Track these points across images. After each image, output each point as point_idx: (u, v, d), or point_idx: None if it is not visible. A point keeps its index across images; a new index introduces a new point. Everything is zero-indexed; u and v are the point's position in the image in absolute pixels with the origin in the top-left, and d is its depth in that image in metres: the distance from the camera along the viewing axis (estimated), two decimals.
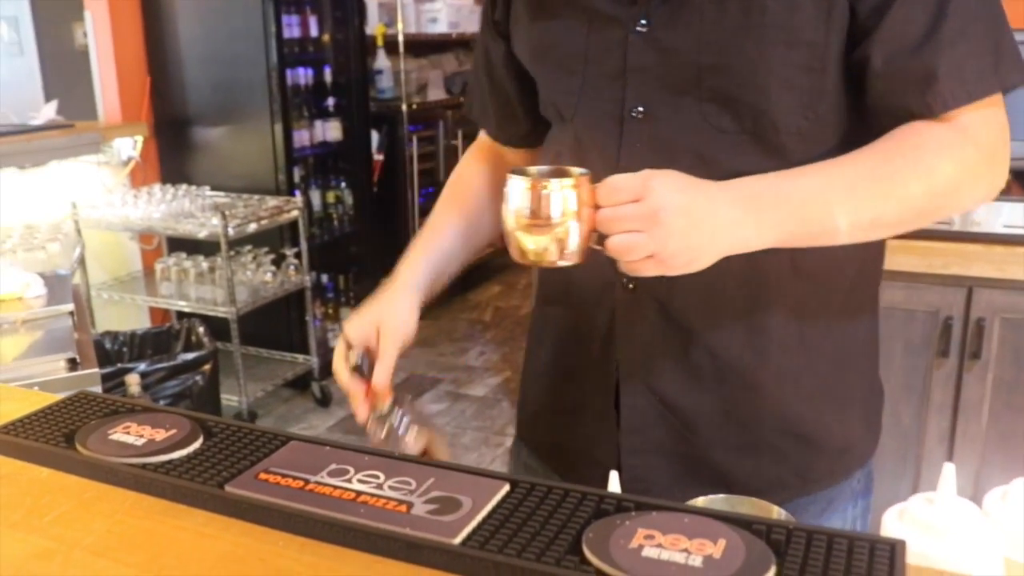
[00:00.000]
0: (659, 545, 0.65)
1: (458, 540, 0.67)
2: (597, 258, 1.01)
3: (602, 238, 0.85)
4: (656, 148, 0.97)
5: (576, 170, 0.87)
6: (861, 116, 0.96)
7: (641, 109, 0.98)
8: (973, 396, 2.21)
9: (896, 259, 2.14)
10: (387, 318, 1.15)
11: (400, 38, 4.76)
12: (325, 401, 3.91)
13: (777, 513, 0.86)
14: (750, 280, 0.99)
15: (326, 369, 4.05)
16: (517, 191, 0.86)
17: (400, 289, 1.17)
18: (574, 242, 0.86)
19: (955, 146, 0.90)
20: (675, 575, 0.62)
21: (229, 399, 3.49)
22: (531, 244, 0.87)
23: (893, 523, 0.76)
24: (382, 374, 1.11)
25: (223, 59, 3.81)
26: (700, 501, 0.88)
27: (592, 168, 0.89)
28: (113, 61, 3.75)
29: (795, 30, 0.91)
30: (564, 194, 0.84)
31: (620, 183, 0.84)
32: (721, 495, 0.90)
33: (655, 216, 0.81)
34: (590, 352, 1.08)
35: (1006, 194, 2.21)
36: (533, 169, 0.89)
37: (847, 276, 1.05)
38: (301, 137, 3.99)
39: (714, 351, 1.01)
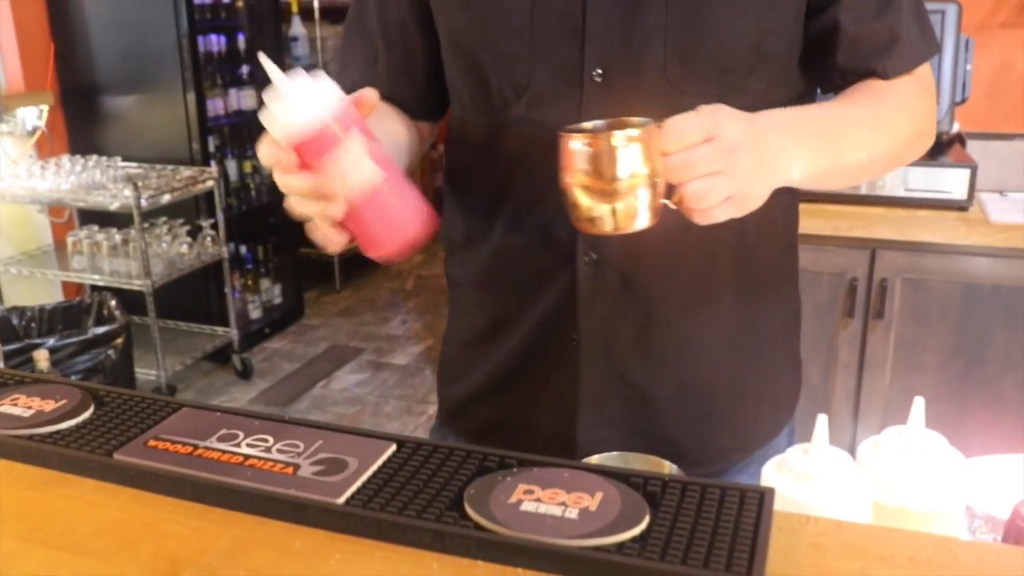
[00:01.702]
0: (538, 499, 0.67)
1: (342, 500, 0.68)
2: (550, 234, 0.98)
3: (670, 190, 0.78)
4: (618, 112, 0.91)
5: (638, 120, 0.78)
6: (827, 78, 1.02)
7: (600, 71, 0.94)
8: (877, 354, 2.29)
9: (804, 223, 2.15)
10: None
11: (316, 4, 4.69)
12: (246, 373, 3.87)
13: (668, 468, 0.89)
14: (705, 253, 1.00)
15: (246, 341, 4.02)
16: (578, 152, 0.76)
17: None
18: (648, 201, 0.77)
19: (921, 94, 1.01)
20: (551, 527, 0.64)
21: (147, 373, 3.44)
22: (603, 211, 0.77)
23: (771, 473, 0.80)
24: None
25: (131, 24, 3.70)
26: (594, 459, 0.90)
27: (551, 137, 0.81)
28: (12, 26, 3.61)
29: None
30: (632, 147, 0.74)
31: (687, 125, 0.77)
32: (615, 452, 0.92)
33: (733, 152, 0.77)
34: (539, 324, 1.05)
35: None
36: (587, 124, 0.80)
37: (781, 245, 1.08)
38: (215, 106, 3.91)
39: (671, 323, 1.02)
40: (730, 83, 0.94)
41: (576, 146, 0.76)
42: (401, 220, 0.86)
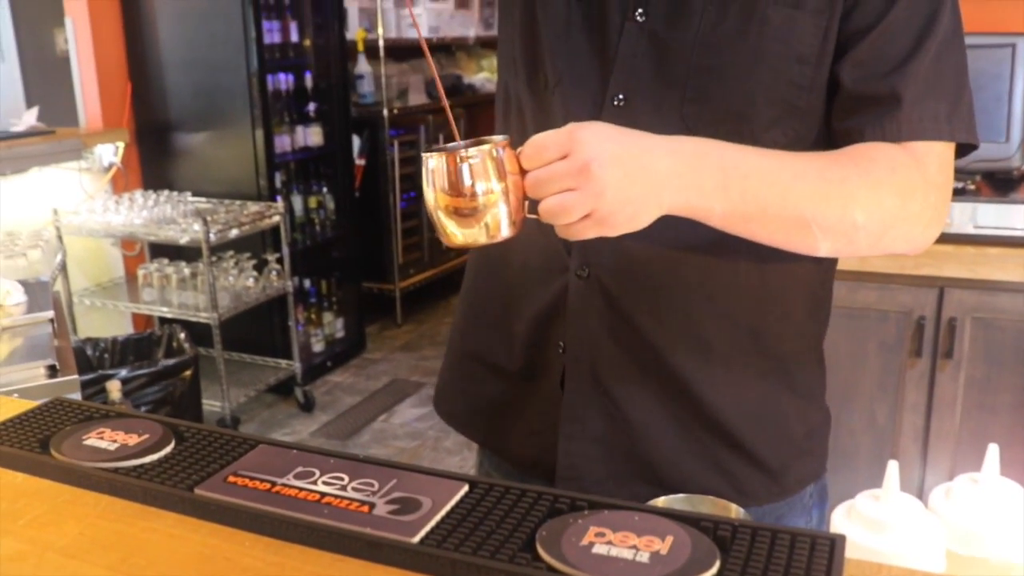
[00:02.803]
0: (609, 542, 0.67)
1: (416, 539, 0.70)
2: (548, 243, 0.99)
3: (534, 205, 0.80)
4: None
5: (495, 137, 0.81)
6: (829, 140, 0.96)
7: (622, 97, 0.96)
8: (946, 395, 2.25)
9: (868, 260, 2.17)
10: None
11: (380, 43, 4.79)
12: (308, 406, 3.93)
13: (735, 512, 0.89)
14: (702, 288, 0.99)
15: (309, 374, 4.08)
16: (434, 168, 0.80)
17: None
18: (504, 214, 0.80)
19: (906, 168, 0.90)
20: (622, 570, 0.64)
21: (212, 405, 3.51)
22: (460, 224, 0.80)
23: (841, 520, 0.79)
24: None
25: (204, 65, 3.82)
26: (660, 501, 0.91)
27: None
28: (94, 67, 3.76)
29: (792, 44, 0.91)
30: (484, 163, 0.78)
31: (544, 140, 0.79)
32: (682, 495, 0.93)
33: (587, 169, 0.77)
34: (531, 326, 1.06)
35: (977, 195, 2.25)
36: (450, 144, 0.82)
37: (798, 304, 1.05)
38: (282, 142, 4.01)
39: (658, 351, 1.00)
40: (746, 132, 0.92)
41: (432, 163, 0.80)
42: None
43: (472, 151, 0.79)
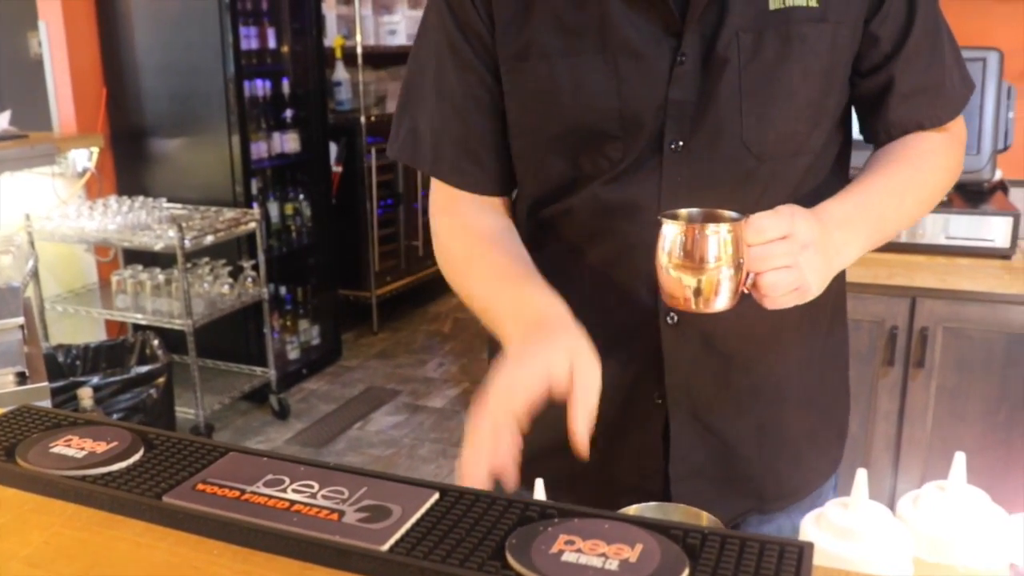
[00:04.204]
0: (578, 550, 0.67)
1: (386, 547, 0.69)
2: (633, 295, 1.03)
3: (747, 277, 0.87)
4: (696, 176, 0.99)
5: (728, 213, 0.87)
6: (872, 133, 1.08)
7: (681, 143, 0.98)
8: (917, 404, 2.27)
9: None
10: (581, 351, 0.91)
11: (359, 50, 4.78)
12: (283, 414, 3.91)
13: (706, 519, 0.90)
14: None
15: (284, 381, 4.06)
16: (674, 237, 0.85)
17: (565, 321, 0.94)
18: (731, 286, 0.86)
19: (951, 147, 1.07)
20: None
21: (186, 412, 3.48)
22: (689, 290, 0.86)
23: (810, 528, 0.80)
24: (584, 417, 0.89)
25: (180, 70, 3.80)
26: (632, 509, 0.91)
27: (633, 203, 0.97)
28: (68, 71, 3.73)
29: (823, 57, 0.98)
30: (722, 238, 0.84)
31: (768, 223, 0.85)
32: (654, 503, 0.93)
33: (805, 251, 0.86)
34: (622, 384, 1.06)
35: (948, 207, 2.27)
36: (683, 212, 0.89)
37: (836, 293, 1.13)
38: (259, 149, 4.00)
39: (749, 371, 1.08)
40: (798, 144, 1.00)
41: (674, 231, 0.85)
42: None
43: (713, 227, 0.84)
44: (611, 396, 1.05)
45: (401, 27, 5.20)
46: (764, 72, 0.96)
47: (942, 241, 2.28)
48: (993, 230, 2.24)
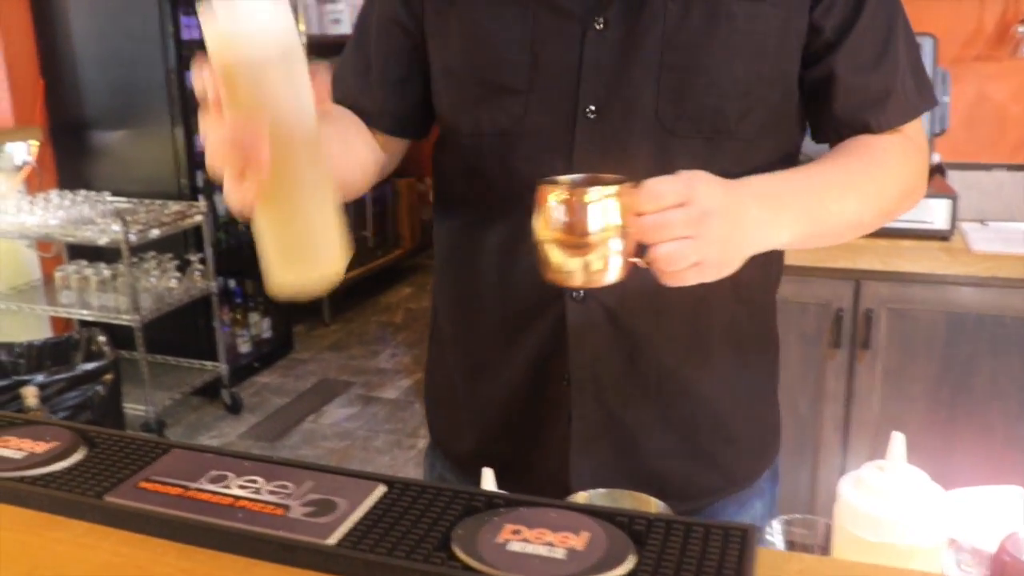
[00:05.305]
0: (524, 539, 0.68)
1: (332, 540, 0.69)
2: (535, 274, 0.95)
3: (640, 249, 0.80)
4: (610, 149, 0.96)
5: (613, 176, 0.79)
6: (820, 128, 1.03)
7: (593, 108, 0.96)
8: (864, 385, 2.31)
9: (788, 254, 2.21)
10: None
11: (303, 40, 4.72)
12: (236, 408, 3.87)
13: (655, 506, 0.90)
14: (694, 288, 1.01)
15: (236, 375, 4.01)
16: (553, 205, 0.77)
17: None
18: (618, 258, 0.78)
19: (910, 153, 1.01)
20: (537, 567, 0.64)
21: (135, 409, 3.43)
22: (572, 263, 0.78)
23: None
24: None
25: (120, 61, 3.73)
26: (581, 496, 0.91)
27: (541, 171, 0.84)
28: (3, 62, 3.64)
29: (755, 38, 0.94)
30: (606, 204, 0.76)
31: (664, 188, 0.79)
32: (602, 490, 0.93)
33: (706, 219, 0.79)
34: (530, 365, 1.05)
35: None
36: (565, 178, 0.82)
37: (765, 281, 1.10)
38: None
39: (659, 359, 1.03)
40: (721, 127, 0.96)
41: (552, 198, 0.77)
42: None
43: (596, 191, 0.76)
44: (520, 377, 1.06)
45: (345, 16, 5.14)
46: (685, 45, 0.94)
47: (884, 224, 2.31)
48: (933, 212, 2.29)
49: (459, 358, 1.14)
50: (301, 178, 0.74)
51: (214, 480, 0.79)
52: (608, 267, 0.78)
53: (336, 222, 0.78)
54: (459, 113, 1.05)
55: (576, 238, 0.76)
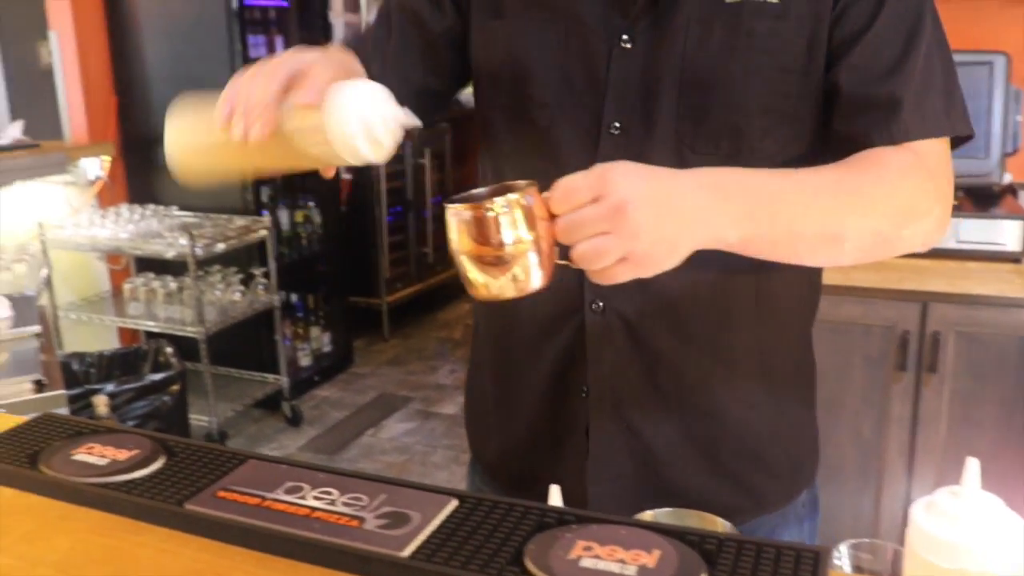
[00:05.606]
0: (596, 556, 0.68)
1: (406, 553, 0.70)
2: (560, 279, 1.01)
3: (565, 251, 0.77)
4: None
5: (520, 183, 0.77)
6: (827, 144, 0.97)
7: (618, 125, 0.97)
8: (931, 409, 2.26)
9: (852, 275, 2.19)
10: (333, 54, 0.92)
11: None
12: (295, 420, 3.92)
13: (722, 526, 0.90)
14: (716, 305, 1.00)
15: (296, 388, 4.07)
16: (460, 222, 0.75)
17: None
18: (535, 264, 0.76)
19: (913, 169, 0.92)
20: None
21: (199, 419, 3.50)
22: (490, 277, 0.76)
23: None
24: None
25: (190, 79, 3.81)
26: (647, 515, 0.91)
27: None
28: (79, 80, 3.76)
29: (779, 56, 0.93)
30: (513, 213, 0.74)
31: (573, 183, 0.75)
32: (668, 509, 0.93)
33: (621, 211, 0.73)
34: (551, 376, 1.06)
35: (959, 210, 2.27)
36: (477, 191, 0.81)
37: (799, 305, 1.08)
38: None
39: (680, 374, 1.02)
40: (742, 145, 0.94)
41: (457, 215, 0.76)
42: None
43: (500, 202, 0.74)
44: (543, 386, 1.07)
45: None
46: (704, 63, 0.94)
47: (952, 245, 2.28)
48: (1004, 234, 2.24)
49: (492, 366, 1.16)
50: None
51: (290, 491, 0.81)
52: (530, 275, 0.76)
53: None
54: (492, 124, 1.08)
55: (490, 250, 0.75)
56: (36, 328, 1.90)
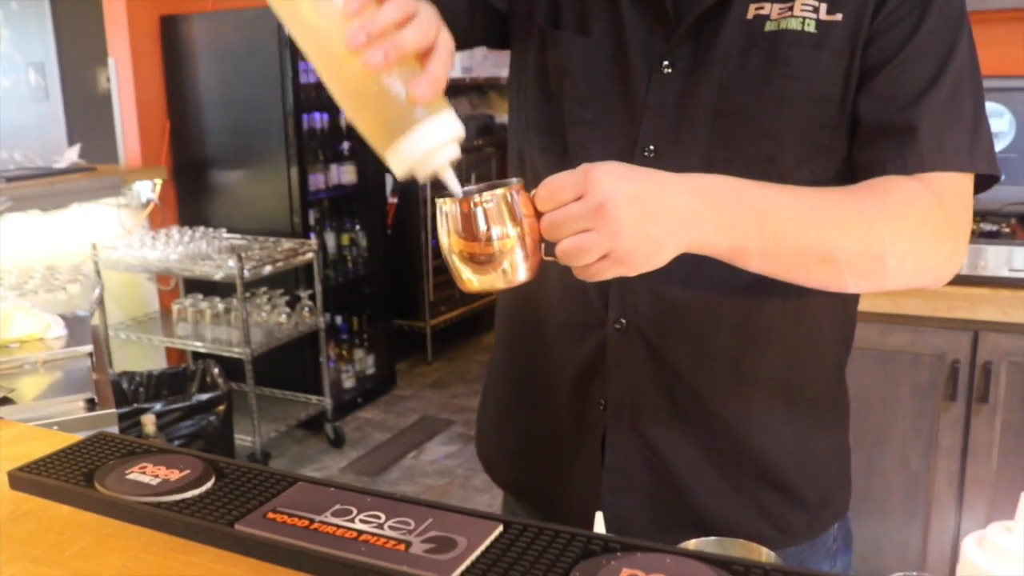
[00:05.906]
0: None
1: None
2: (584, 296, 1.01)
3: (551, 247, 0.79)
4: None
5: (510, 180, 0.81)
6: (852, 173, 0.96)
7: (652, 148, 0.98)
8: (982, 440, 2.22)
9: (901, 302, 2.17)
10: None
11: None
12: (338, 442, 3.94)
13: (766, 556, 0.89)
14: (741, 330, 1.00)
15: (339, 410, 4.10)
16: (448, 214, 0.79)
17: None
18: (520, 258, 0.79)
19: (923, 199, 0.89)
20: None
21: (243, 439, 3.53)
22: (476, 270, 0.80)
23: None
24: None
25: (241, 104, 3.90)
26: (691, 544, 0.91)
27: None
28: (135, 105, 3.85)
29: (815, 85, 0.93)
30: (499, 207, 0.78)
31: (558, 182, 0.78)
32: (712, 538, 0.93)
33: (602, 209, 0.75)
34: (571, 386, 1.07)
35: (1011, 239, 2.24)
36: (464, 188, 0.82)
37: (831, 334, 1.07)
38: (316, 180, 4.07)
39: (700, 396, 1.02)
40: (772, 172, 0.91)
41: (445, 208, 0.80)
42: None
43: (486, 195, 0.78)
44: (561, 396, 1.08)
45: (456, 59, 5.24)
46: (739, 91, 0.94)
47: (1005, 273, 2.24)
48: None
49: (511, 372, 1.17)
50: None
51: (337, 514, 0.82)
52: (516, 268, 0.79)
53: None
54: (527, 143, 1.08)
55: (477, 245, 0.79)
56: (89, 347, 1.94)
